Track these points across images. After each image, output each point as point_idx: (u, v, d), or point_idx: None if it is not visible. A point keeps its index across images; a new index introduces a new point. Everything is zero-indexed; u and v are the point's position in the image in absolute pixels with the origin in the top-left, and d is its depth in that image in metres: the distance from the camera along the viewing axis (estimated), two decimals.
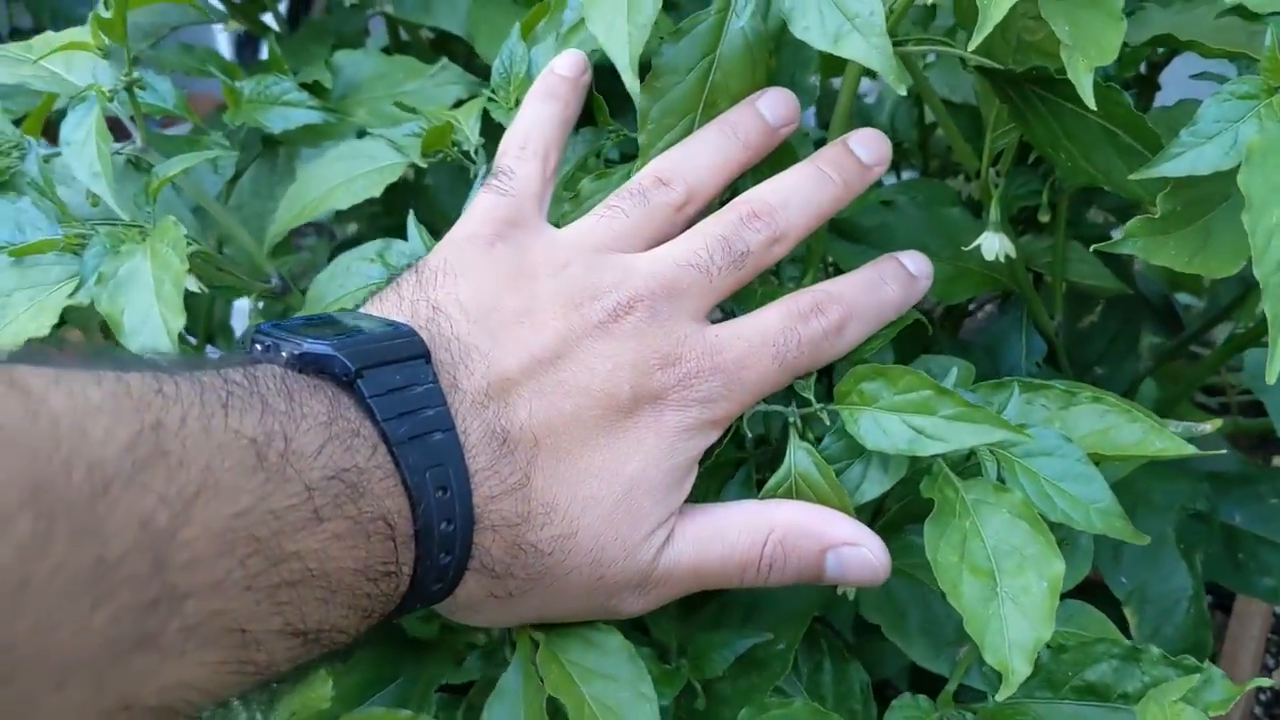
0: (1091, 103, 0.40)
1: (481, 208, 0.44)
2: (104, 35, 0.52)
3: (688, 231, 0.43)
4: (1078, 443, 0.44)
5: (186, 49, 0.68)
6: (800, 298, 0.42)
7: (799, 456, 0.42)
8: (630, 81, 0.43)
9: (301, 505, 0.32)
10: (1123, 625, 0.63)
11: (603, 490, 0.38)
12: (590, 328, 0.39)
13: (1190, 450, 0.44)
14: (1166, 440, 0.45)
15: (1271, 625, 1.05)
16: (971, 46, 0.40)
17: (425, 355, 0.37)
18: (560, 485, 0.38)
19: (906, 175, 0.80)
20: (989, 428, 0.40)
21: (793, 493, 0.43)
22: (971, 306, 0.77)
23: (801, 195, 0.43)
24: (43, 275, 0.49)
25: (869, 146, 0.44)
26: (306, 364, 0.35)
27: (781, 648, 0.50)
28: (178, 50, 0.68)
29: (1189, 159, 0.42)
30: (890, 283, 0.43)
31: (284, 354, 0.36)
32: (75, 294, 0.47)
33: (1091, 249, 0.44)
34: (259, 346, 0.37)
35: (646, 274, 0.41)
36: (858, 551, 0.40)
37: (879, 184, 0.74)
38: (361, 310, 0.41)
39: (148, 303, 0.45)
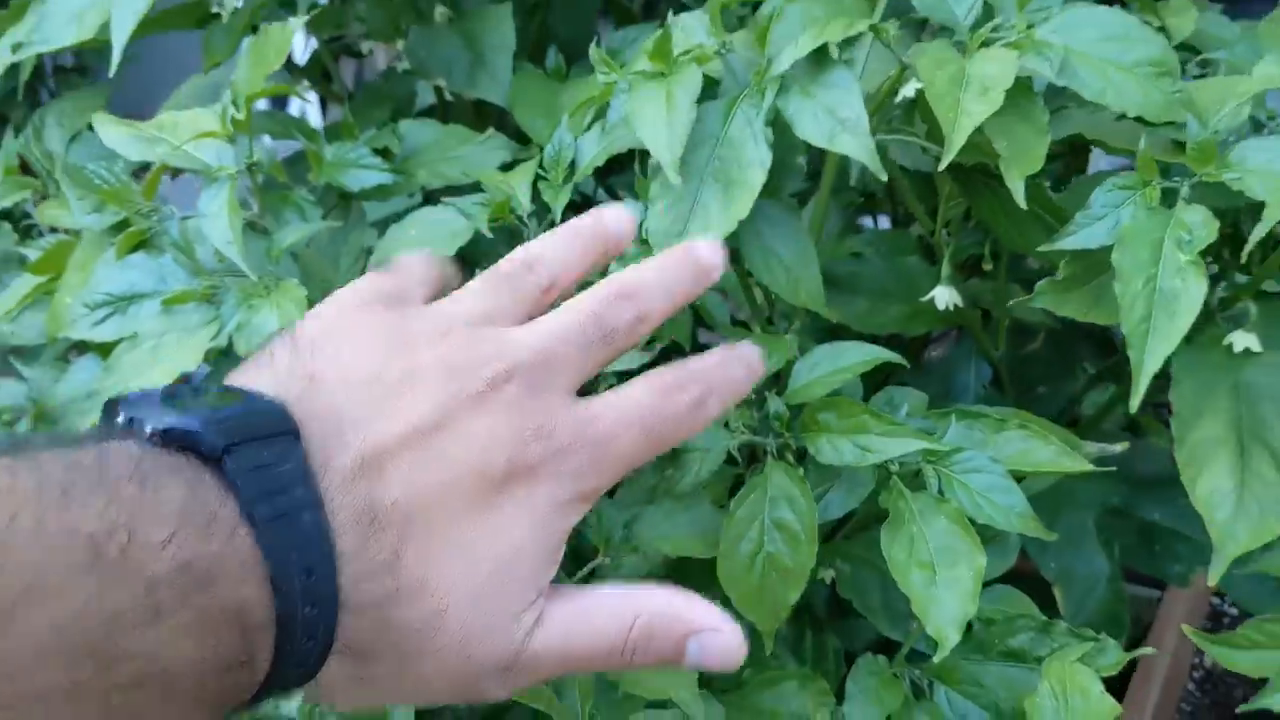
0: (1023, 204, 0.53)
1: (366, 280, 0.44)
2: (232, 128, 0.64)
3: (562, 307, 0.43)
4: (1005, 461, 0.57)
5: (274, 115, 0.81)
6: (664, 375, 0.42)
7: (776, 477, 0.55)
8: (674, 178, 0.55)
9: (142, 602, 0.30)
10: (1055, 602, 0.76)
11: (474, 566, 0.37)
12: (468, 398, 0.39)
13: (1088, 467, 0.57)
14: (1073, 460, 0.58)
15: (1208, 613, 1.19)
16: (942, 166, 0.53)
17: (295, 431, 0.36)
18: (431, 561, 0.37)
19: (881, 218, 0.93)
20: (908, 440, 0.53)
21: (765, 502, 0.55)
22: (936, 334, 0.90)
23: (662, 283, 0.44)
24: (186, 320, 0.61)
25: (707, 251, 0.46)
26: (170, 440, 0.34)
27: None
28: (267, 117, 0.80)
29: (1081, 236, 0.55)
30: (739, 366, 0.44)
31: (147, 428, 0.34)
32: (216, 337, 0.59)
33: (1009, 304, 0.57)
34: (121, 418, 0.35)
35: (524, 346, 0.40)
36: (718, 637, 0.40)
37: (855, 231, 0.88)
38: (233, 379, 0.39)
39: None
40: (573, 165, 0.63)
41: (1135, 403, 0.51)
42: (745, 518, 0.54)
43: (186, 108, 0.97)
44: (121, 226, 0.65)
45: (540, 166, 0.65)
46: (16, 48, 0.81)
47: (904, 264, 0.73)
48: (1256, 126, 0.62)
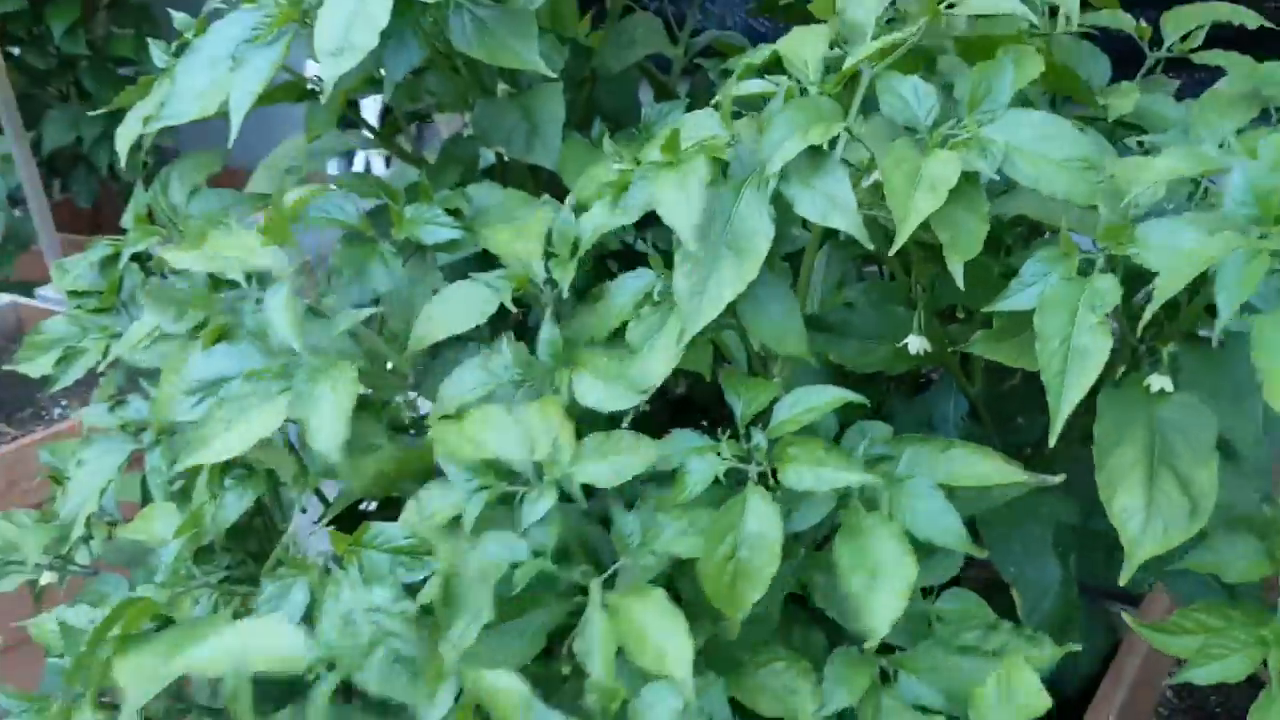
0: (961, 285, 0.66)
1: None
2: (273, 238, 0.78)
3: None
4: (951, 475, 0.70)
5: (364, 178, 0.95)
6: None
7: (753, 499, 0.68)
8: (693, 247, 0.68)
9: None
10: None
11: None
12: None
13: (1023, 477, 0.70)
14: (1011, 473, 0.70)
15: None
16: (892, 252, 0.66)
17: None
18: None
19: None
20: (854, 473, 0.66)
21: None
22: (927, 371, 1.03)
23: None
24: (266, 390, 0.74)
25: None
26: None
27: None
28: (358, 178, 0.95)
29: (1013, 300, 0.68)
30: None
31: None
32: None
33: (950, 349, 0.70)
34: None
35: None
36: None
37: (859, 277, 1.00)
38: None
39: (328, 416, 0.70)
40: (576, 242, 0.76)
41: (1053, 439, 0.63)
42: (723, 529, 0.67)
43: (280, 166, 1.13)
44: (203, 326, 0.80)
45: (548, 243, 0.79)
46: (147, 120, 0.97)
47: (891, 312, 0.86)
48: (1190, 196, 0.75)
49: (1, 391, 2.05)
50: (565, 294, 0.77)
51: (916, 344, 0.78)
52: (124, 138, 0.98)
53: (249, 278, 0.81)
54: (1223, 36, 0.96)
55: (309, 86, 1.01)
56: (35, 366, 0.98)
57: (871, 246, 0.71)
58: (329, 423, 0.69)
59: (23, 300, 2.35)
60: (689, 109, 0.88)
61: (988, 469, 0.69)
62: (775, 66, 0.77)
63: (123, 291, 1.01)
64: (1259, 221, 0.61)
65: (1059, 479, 0.75)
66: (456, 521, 0.68)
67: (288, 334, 0.72)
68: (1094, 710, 0.99)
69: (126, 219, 1.06)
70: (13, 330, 2.33)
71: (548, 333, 0.73)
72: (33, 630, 0.85)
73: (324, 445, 0.68)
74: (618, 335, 0.74)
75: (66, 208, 2.98)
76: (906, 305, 0.88)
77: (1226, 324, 0.59)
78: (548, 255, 0.78)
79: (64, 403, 2.01)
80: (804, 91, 0.73)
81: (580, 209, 0.81)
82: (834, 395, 0.69)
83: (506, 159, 1.05)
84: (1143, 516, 0.68)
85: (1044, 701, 0.70)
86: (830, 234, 0.86)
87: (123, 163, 0.97)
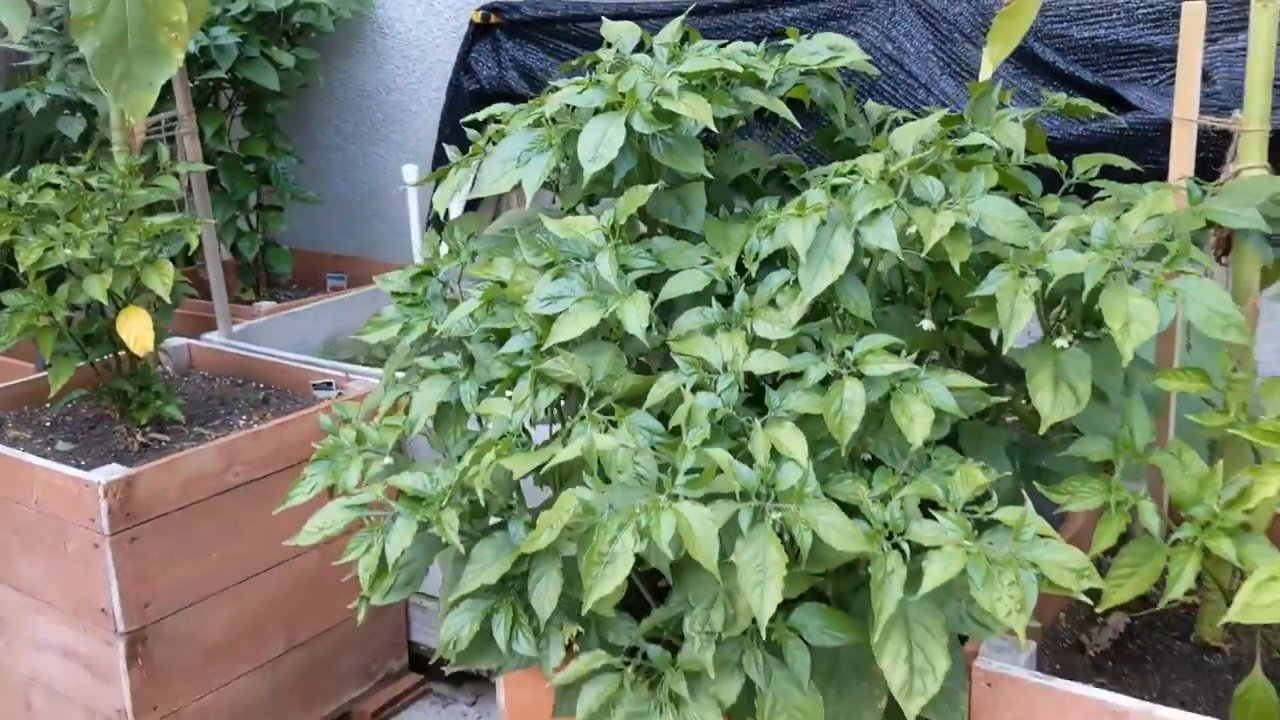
0: (958, 273, 1.27)
1: None
2: None
3: None
4: (947, 382, 1.30)
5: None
6: None
7: (851, 383, 1.27)
8: (803, 259, 1.30)
9: None
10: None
11: None
12: None
13: (979, 384, 1.30)
14: (972, 383, 1.31)
15: None
16: (925, 251, 1.28)
17: None
18: None
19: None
20: (901, 364, 1.26)
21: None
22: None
23: None
24: (589, 305, 1.35)
25: None
26: None
27: None
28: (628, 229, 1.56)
29: (984, 288, 1.30)
30: None
31: None
32: (605, 315, 1.33)
33: (945, 326, 1.32)
34: None
35: None
36: None
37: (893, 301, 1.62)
38: None
39: (634, 317, 1.31)
40: (756, 256, 1.37)
41: (1006, 348, 1.24)
42: (833, 397, 1.26)
43: (513, 221, 1.74)
44: (549, 265, 1.40)
45: (739, 258, 1.40)
46: (455, 189, 1.58)
47: (910, 314, 1.47)
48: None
49: (192, 409, 2.62)
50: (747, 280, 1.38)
51: (927, 324, 1.39)
52: (441, 200, 1.59)
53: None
54: (1110, 172, 1.61)
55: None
56: (381, 334, 1.57)
57: (903, 259, 1.32)
58: (634, 320, 1.29)
59: (193, 342, 2.94)
60: (780, 203, 1.50)
61: (965, 381, 1.29)
62: (851, 173, 1.40)
63: (427, 294, 1.61)
64: (1106, 248, 1.24)
65: (1005, 398, 1.36)
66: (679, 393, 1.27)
67: (609, 276, 1.32)
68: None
69: (422, 254, 1.66)
70: (185, 365, 2.91)
71: (740, 298, 1.34)
72: (399, 481, 1.41)
73: (634, 328, 1.28)
74: (772, 303, 1.34)
75: (192, 275, 3.57)
76: (917, 308, 1.50)
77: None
78: (739, 266, 1.39)
79: (244, 417, 2.58)
80: (868, 183, 1.36)
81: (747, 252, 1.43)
82: (887, 339, 1.29)
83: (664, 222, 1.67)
84: (1050, 401, 1.28)
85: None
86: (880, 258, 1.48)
87: (440, 211, 1.58)
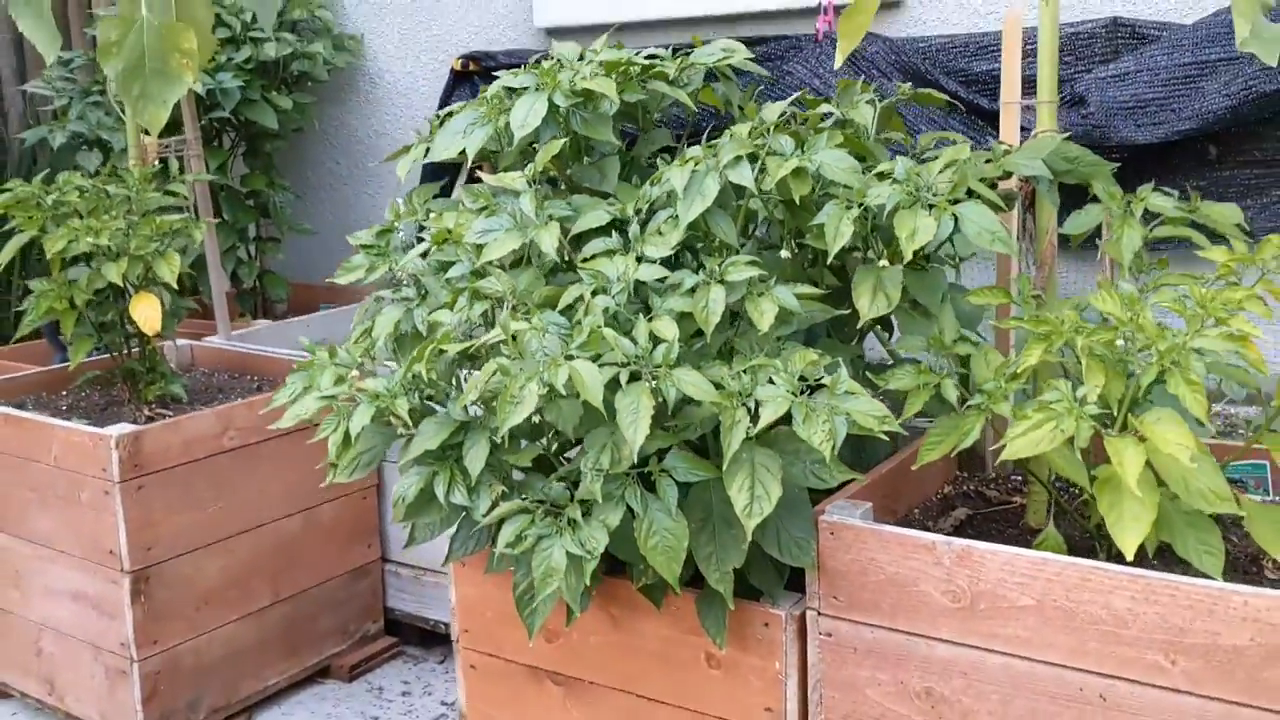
0: (798, 202, 1.64)
1: None
2: None
3: None
4: (794, 290, 1.65)
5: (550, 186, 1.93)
6: None
7: (715, 288, 1.62)
8: (680, 195, 1.66)
9: None
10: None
11: None
12: None
13: (817, 292, 1.65)
14: (813, 293, 1.66)
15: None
16: (772, 184, 1.64)
17: None
18: None
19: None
20: (753, 270, 1.62)
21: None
22: None
23: None
24: (513, 235, 1.72)
25: None
26: None
27: None
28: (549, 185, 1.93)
29: (820, 217, 1.65)
30: None
31: None
32: (526, 244, 1.69)
33: (795, 250, 1.69)
34: None
35: None
36: None
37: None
38: None
39: (548, 240, 1.68)
40: (650, 200, 1.73)
41: (830, 256, 1.59)
42: (701, 296, 1.61)
43: (467, 189, 2.10)
44: (484, 209, 1.76)
45: (636, 204, 1.76)
46: (415, 159, 1.95)
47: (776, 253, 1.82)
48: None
49: (194, 395, 2.96)
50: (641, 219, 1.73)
51: (785, 254, 1.75)
52: (403, 166, 1.95)
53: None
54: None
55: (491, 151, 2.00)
56: (350, 277, 1.92)
57: (758, 194, 1.68)
58: (548, 242, 1.65)
59: (195, 343, 3.29)
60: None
61: (809, 291, 1.65)
62: (721, 134, 1.77)
63: (390, 245, 1.96)
64: (904, 181, 1.60)
65: (846, 310, 1.71)
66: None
67: (529, 211, 1.68)
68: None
69: (388, 214, 2.03)
70: (188, 363, 3.26)
71: (633, 230, 1.69)
72: (365, 384, 1.75)
73: (547, 249, 1.64)
74: (659, 232, 1.70)
75: (197, 303, 3.92)
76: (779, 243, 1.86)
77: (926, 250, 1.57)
78: (636, 208, 1.74)
79: (240, 399, 2.92)
80: (733, 138, 1.72)
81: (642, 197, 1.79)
82: (749, 257, 1.64)
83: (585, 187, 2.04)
84: (868, 303, 1.63)
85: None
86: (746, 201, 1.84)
87: (402, 178, 1.94)
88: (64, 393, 3.01)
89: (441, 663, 3.05)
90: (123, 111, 2.96)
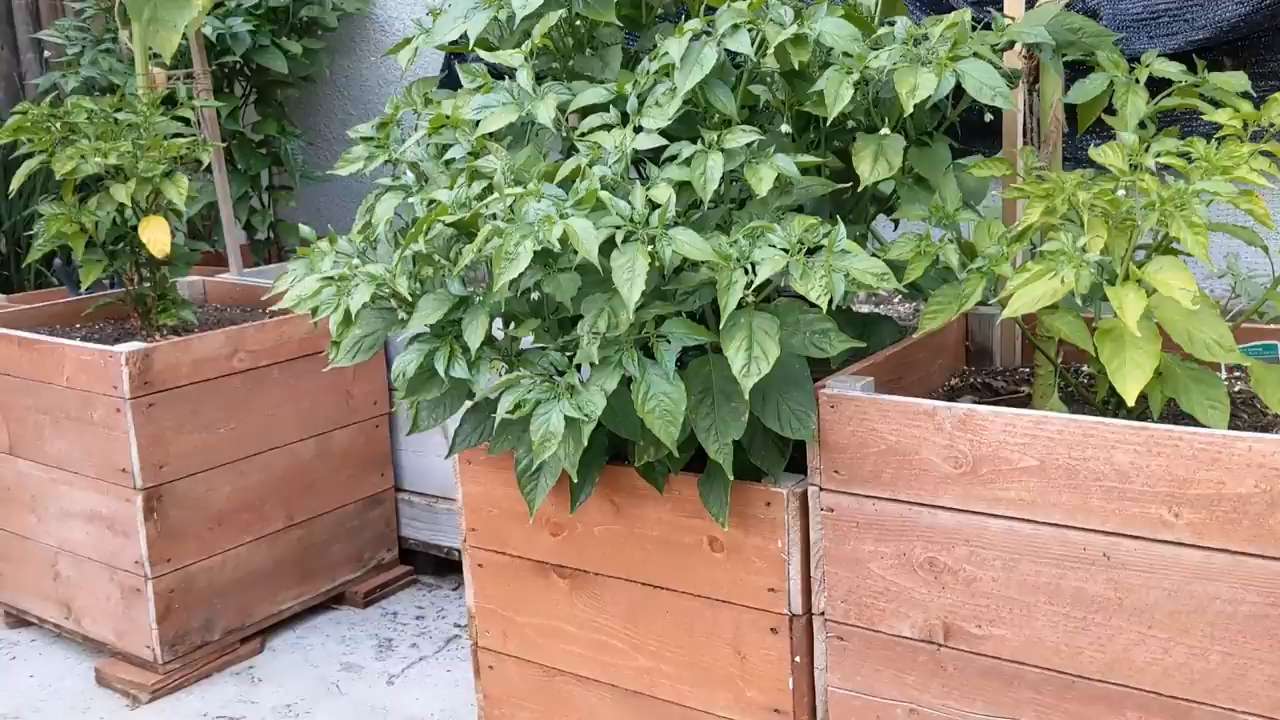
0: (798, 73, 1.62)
1: None
2: None
3: None
4: (797, 163, 1.63)
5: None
6: None
7: (714, 154, 1.61)
8: (678, 62, 1.65)
9: None
10: None
11: None
12: None
13: (818, 161, 1.64)
14: (813, 163, 1.64)
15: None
16: (771, 49, 1.63)
17: None
18: None
19: None
20: (751, 135, 1.60)
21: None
22: None
23: None
24: (510, 107, 1.71)
25: None
26: None
27: None
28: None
29: (819, 84, 1.63)
30: None
31: None
32: (522, 114, 1.68)
33: (794, 107, 1.67)
34: None
35: None
36: None
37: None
38: None
39: (546, 111, 1.67)
40: (648, 73, 1.72)
41: (830, 119, 1.58)
42: (699, 162, 1.60)
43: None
44: (480, 87, 1.75)
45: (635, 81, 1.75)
46: (417, 47, 1.94)
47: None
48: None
49: (205, 327, 2.97)
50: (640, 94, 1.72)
51: (785, 127, 1.73)
52: (404, 55, 1.95)
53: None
54: None
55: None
56: (350, 168, 1.92)
57: (756, 63, 1.67)
58: (545, 114, 1.64)
59: (208, 279, 3.30)
60: None
61: (810, 160, 1.63)
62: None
63: (389, 138, 1.96)
64: (904, 42, 1.58)
65: (844, 185, 1.69)
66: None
67: (527, 85, 1.68)
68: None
69: (387, 108, 2.02)
70: (201, 298, 3.27)
71: (633, 101, 1.68)
72: (366, 268, 1.75)
73: (544, 120, 1.63)
74: (657, 104, 1.68)
75: (209, 256, 3.94)
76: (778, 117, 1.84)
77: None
78: (635, 84, 1.73)
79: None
80: (731, 7, 1.70)
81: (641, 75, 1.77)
82: (748, 128, 1.62)
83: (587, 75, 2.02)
84: (869, 168, 1.62)
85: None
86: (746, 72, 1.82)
87: (403, 66, 1.93)
88: (77, 325, 3.03)
89: (455, 589, 3.05)
90: (132, 48, 2.96)
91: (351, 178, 4.42)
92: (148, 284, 2.84)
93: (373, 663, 2.71)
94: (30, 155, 2.67)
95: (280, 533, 2.82)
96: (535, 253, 1.48)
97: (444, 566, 3.11)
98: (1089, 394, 1.72)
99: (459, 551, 2.99)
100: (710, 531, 1.78)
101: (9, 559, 2.91)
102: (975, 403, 1.92)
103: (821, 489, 1.69)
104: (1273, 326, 1.83)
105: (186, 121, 2.84)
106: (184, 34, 2.81)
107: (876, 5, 1.94)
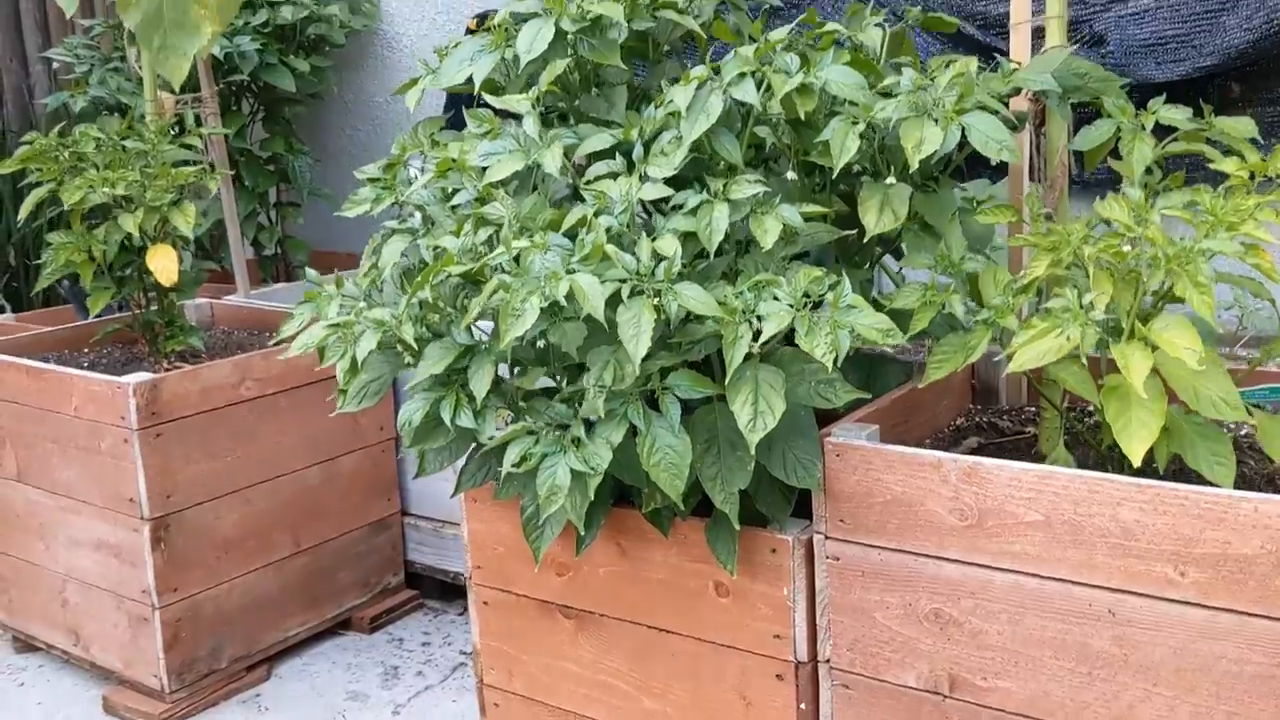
0: (803, 120, 1.62)
1: None
2: None
3: None
4: (802, 211, 1.63)
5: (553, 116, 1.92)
6: None
7: (719, 205, 1.61)
8: (683, 112, 1.65)
9: None
10: None
11: None
12: None
13: (824, 210, 1.64)
14: (820, 211, 1.64)
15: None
16: (779, 96, 1.62)
17: None
18: None
19: None
20: (757, 186, 1.60)
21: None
22: None
23: None
24: (517, 155, 1.71)
25: None
26: None
27: None
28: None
29: (825, 133, 1.63)
30: None
31: None
32: (527, 161, 1.69)
33: (802, 157, 1.66)
34: None
35: None
36: None
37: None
38: None
39: (552, 160, 1.66)
40: (654, 121, 1.72)
41: (837, 169, 1.58)
42: (705, 214, 1.60)
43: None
44: (487, 133, 1.75)
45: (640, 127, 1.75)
46: (424, 88, 1.94)
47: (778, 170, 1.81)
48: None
49: (212, 351, 2.98)
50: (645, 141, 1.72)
51: (791, 174, 1.73)
52: (412, 96, 1.95)
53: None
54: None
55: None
56: (357, 210, 1.92)
57: (762, 110, 1.67)
58: (551, 163, 1.64)
59: (215, 301, 3.31)
60: None
61: (815, 209, 1.63)
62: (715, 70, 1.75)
63: (396, 179, 1.96)
64: (910, 93, 1.58)
65: (850, 232, 1.69)
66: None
67: (533, 132, 1.67)
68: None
69: (394, 148, 2.02)
70: (208, 321, 3.28)
71: (637, 151, 1.68)
72: (372, 313, 1.75)
73: (551, 169, 1.63)
74: (662, 153, 1.68)
75: (215, 274, 3.94)
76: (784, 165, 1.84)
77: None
78: (640, 130, 1.73)
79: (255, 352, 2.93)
80: (738, 55, 1.70)
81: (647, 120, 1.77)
82: (754, 176, 1.62)
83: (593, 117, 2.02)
84: (875, 219, 1.62)
85: None
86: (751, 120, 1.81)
87: (411, 108, 1.93)
88: (85, 350, 3.04)
89: (461, 614, 3.06)
90: (141, 70, 2.97)
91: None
92: (155, 310, 2.85)
93: (379, 691, 2.71)
94: (39, 184, 2.68)
95: (287, 559, 2.83)
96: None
97: (450, 591, 3.12)
98: (1094, 439, 1.72)
99: (465, 577, 3.01)
100: (716, 576, 1.78)
101: (18, 585, 2.92)
102: (981, 444, 1.92)
103: (827, 537, 1.69)
104: (1275, 370, 1.83)
105: (194, 148, 2.84)
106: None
107: (883, 45, 1.94)
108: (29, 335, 2.99)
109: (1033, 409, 2.04)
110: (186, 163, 2.82)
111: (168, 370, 2.79)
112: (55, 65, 4.61)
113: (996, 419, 2.02)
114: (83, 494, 2.66)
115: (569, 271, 1.49)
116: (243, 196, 3.90)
